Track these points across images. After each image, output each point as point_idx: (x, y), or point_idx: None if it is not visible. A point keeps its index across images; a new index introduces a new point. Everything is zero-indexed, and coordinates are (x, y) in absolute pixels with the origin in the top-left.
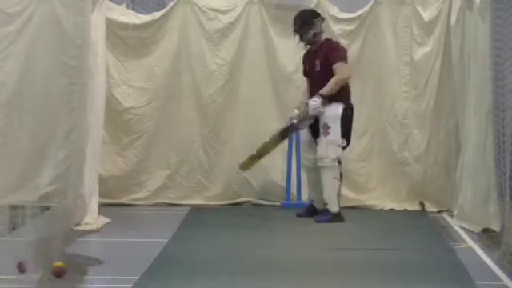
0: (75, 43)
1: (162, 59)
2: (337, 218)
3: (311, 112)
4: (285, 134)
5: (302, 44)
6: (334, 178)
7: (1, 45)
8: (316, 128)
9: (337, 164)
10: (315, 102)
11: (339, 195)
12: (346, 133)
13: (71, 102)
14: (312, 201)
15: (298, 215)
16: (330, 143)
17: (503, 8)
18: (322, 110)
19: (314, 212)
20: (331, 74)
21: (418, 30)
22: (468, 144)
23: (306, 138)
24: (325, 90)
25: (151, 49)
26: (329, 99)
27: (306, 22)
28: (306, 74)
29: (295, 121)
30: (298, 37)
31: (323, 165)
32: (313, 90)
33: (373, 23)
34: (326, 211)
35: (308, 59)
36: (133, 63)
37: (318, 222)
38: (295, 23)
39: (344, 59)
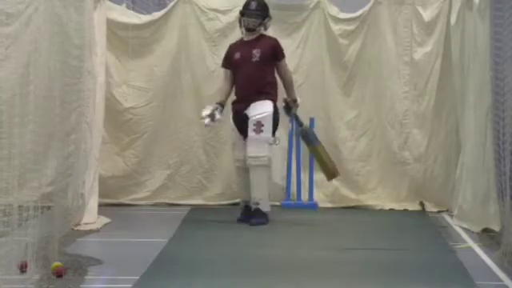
0: (75, 43)
1: (161, 59)
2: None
3: (294, 110)
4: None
5: (240, 29)
6: (268, 177)
7: (0, 45)
8: (244, 127)
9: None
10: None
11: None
12: (274, 130)
13: (71, 102)
14: (246, 202)
15: (239, 220)
16: (262, 141)
17: (503, 8)
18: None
19: (251, 213)
20: (269, 67)
21: (418, 30)
22: (468, 144)
23: (236, 138)
24: (294, 95)
25: (151, 49)
26: (264, 96)
27: (267, 11)
28: (233, 63)
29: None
30: (253, 19)
31: (259, 164)
32: (247, 79)
33: (373, 23)
34: (257, 211)
35: (240, 49)
36: (133, 63)
37: (254, 225)
38: (260, 7)
39: (284, 56)
